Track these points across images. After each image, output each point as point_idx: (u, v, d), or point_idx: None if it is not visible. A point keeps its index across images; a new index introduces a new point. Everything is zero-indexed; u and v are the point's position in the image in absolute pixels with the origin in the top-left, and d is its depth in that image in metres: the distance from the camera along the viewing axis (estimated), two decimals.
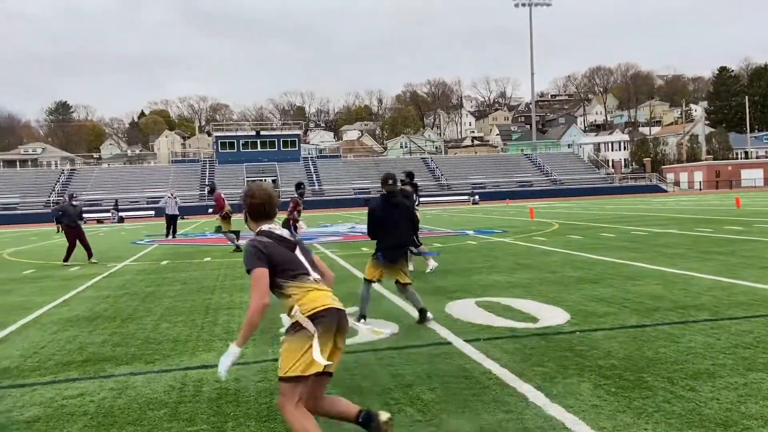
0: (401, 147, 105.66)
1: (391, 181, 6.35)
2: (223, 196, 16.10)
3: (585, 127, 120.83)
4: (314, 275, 3.11)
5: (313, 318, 2.91)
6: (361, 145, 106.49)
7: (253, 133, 65.86)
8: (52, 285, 10.41)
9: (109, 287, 9.75)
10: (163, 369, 4.99)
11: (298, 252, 3.14)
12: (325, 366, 2.87)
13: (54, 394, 4.44)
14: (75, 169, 63.83)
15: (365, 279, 6.52)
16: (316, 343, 2.87)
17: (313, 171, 61.83)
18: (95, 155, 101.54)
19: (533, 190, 58.91)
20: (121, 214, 42.52)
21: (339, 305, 3.02)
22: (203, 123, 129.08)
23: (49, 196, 53.15)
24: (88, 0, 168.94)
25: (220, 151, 63.01)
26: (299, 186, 13.33)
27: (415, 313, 6.41)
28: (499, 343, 5.32)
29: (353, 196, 54.05)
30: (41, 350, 5.80)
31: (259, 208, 3.20)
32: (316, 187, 58.55)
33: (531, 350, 5.07)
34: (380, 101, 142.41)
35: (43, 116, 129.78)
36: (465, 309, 6.85)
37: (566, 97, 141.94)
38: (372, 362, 4.95)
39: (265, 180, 62.19)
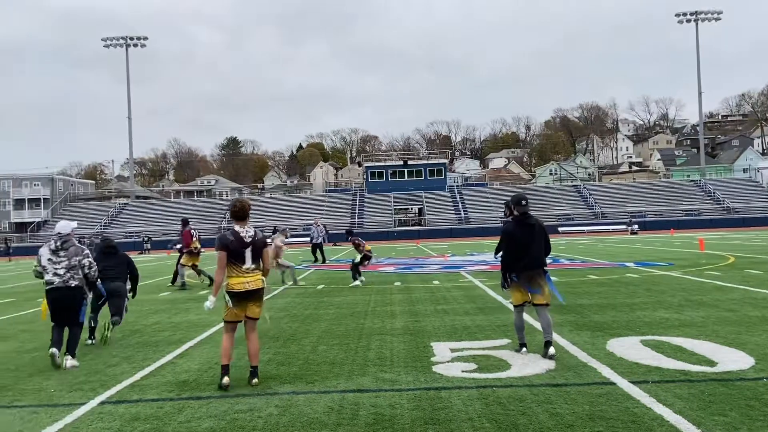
0: (551, 174, 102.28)
1: (524, 202, 6.39)
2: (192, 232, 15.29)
3: (763, 150, 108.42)
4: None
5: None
6: (508, 173, 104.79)
7: (401, 162, 67.63)
8: (221, 305, 11.35)
9: (272, 308, 10.42)
10: (322, 390, 5.19)
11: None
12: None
13: (227, 408, 4.80)
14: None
15: (514, 306, 6.46)
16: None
17: (458, 199, 61.89)
18: (259, 186, 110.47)
19: (702, 219, 53.65)
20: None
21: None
22: (354, 154, 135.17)
23: (220, 224, 58.57)
24: (255, 44, 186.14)
25: (369, 180, 65.46)
26: (350, 233, 15.14)
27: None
28: (671, 387, 4.85)
29: (499, 225, 53.20)
30: (215, 366, 6.31)
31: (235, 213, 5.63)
32: (462, 215, 58.45)
33: (710, 397, 4.56)
34: (528, 128, 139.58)
35: (217, 151, 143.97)
36: (629, 347, 6.36)
37: (740, 118, 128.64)
38: (527, 398, 4.75)
39: (412, 209, 63.47)
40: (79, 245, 6.97)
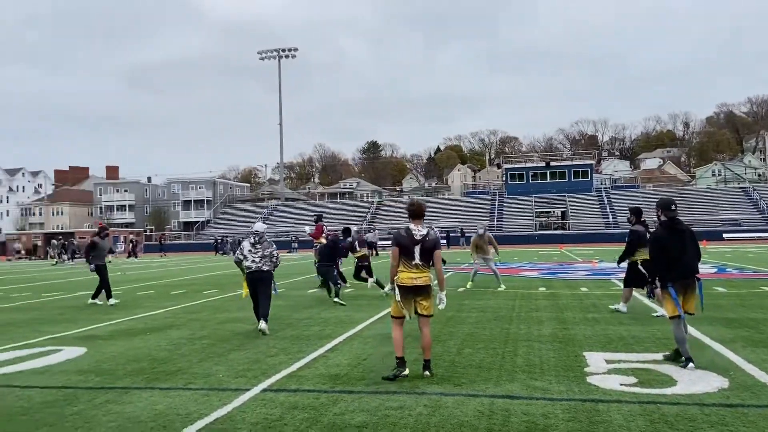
0: (713, 175, 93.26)
1: (673, 207, 6.12)
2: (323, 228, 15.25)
3: None
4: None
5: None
6: (663, 174, 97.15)
7: (543, 164, 65.46)
8: (365, 303, 11.71)
9: None
10: (470, 393, 5.14)
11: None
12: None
13: (378, 404, 4.91)
14: (382, 201, 71.83)
15: (670, 317, 6.05)
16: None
17: (606, 202, 58.54)
18: (397, 188, 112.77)
19: None
20: None
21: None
22: (493, 156, 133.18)
23: (362, 224, 60.61)
24: (397, 50, 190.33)
25: (509, 182, 64.12)
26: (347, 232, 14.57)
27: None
28: None
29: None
30: (364, 362, 6.51)
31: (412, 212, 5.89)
32: (610, 219, 55.20)
33: None
34: (686, 125, 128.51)
35: (358, 154, 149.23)
36: None
37: None
38: (698, 418, 4.34)
39: (554, 212, 61.13)
40: (270, 241, 9.08)
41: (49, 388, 5.76)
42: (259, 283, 8.65)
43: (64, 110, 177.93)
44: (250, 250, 8.71)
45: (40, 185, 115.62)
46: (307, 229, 16.33)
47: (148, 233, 70.93)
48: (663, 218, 6.17)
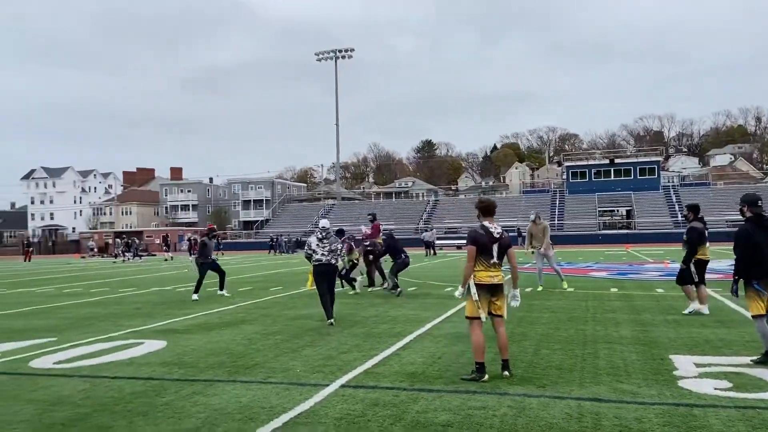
0: None
1: (760, 202, 5.96)
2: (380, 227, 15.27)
3: None
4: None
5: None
6: (734, 171, 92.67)
7: (606, 161, 63.55)
8: (432, 303, 11.63)
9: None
10: (555, 395, 4.99)
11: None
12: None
13: (460, 403, 4.84)
14: (438, 200, 71.49)
15: (753, 316, 5.90)
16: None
17: (674, 200, 56.30)
18: (453, 187, 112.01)
19: None
20: None
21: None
22: (552, 153, 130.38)
23: (417, 224, 60.50)
24: (452, 48, 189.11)
25: (570, 180, 62.57)
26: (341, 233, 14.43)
27: None
28: None
29: (726, 229, 47.18)
30: (438, 360, 6.45)
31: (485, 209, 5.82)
32: (679, 218, 53.02)
33: None
34: (758, 120, 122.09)
35: (412, 153, 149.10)
36: None
37: None
38: None
39: (618, 211, 59.26)
40: (335, 236, 9.76)
41: (136, 378, 5.98)
42: (326, 276, 9.21)
43: (129, 114, 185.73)
44: (318, 245, 9.25)
45: (110, 186, 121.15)
46: (363, 228, 16.28)
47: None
48: (749, 214, 6.00)
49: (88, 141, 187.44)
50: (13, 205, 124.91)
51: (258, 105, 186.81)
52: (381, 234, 15.38)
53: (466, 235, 5.97)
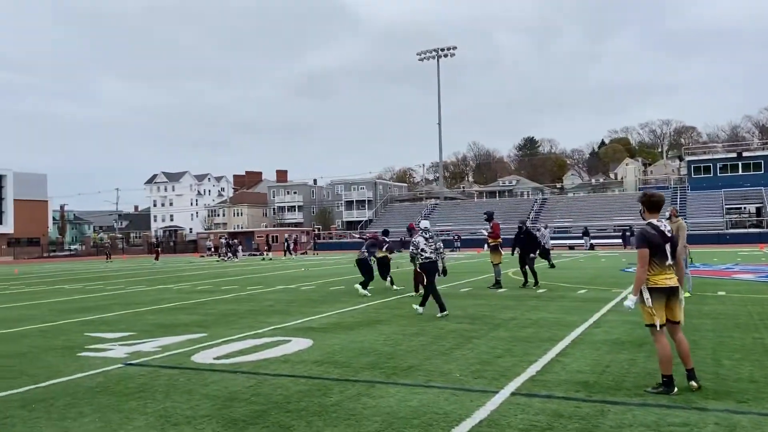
0: None
1: None
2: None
3: None
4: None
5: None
6: None
7: (734, 155, 58.64)
8: (570, 305, 11.04)
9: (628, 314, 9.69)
10: (763, 412, 4.42)
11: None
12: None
13: (656, 419, 4.39)
14: (546, 199, 69.21)
15: None
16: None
17: None
18: (558, 185, 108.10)
19: None
20: (592, 241, 43.47)
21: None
22: (666, 148, 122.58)
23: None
24: (558, 43, 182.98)
25: (692, 176, 58.38)
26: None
27: None
28: None
29: None
30: (607, 369, 5.97)
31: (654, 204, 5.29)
32: None
33: None
34: None
35: (513, 151, 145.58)
36: None
37: None
38: None
39: (745, 208, 54.50)
40: (437, 235, 10.73)
41: (296, 377, 6.00)
42: (433, 272, 10.07)
43: (238, 119, 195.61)
44: (426, 244, 10.11)
45: (222, 189, 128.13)
46: (485, 232, 15.82)
47: (317, 232, 75.17)
48: None
49: (200, 146, 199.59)
50: (136, 207, 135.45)
51: (358, 107, 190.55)
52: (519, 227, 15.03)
53: (635, 235, 5.42)
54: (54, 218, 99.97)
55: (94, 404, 5.24)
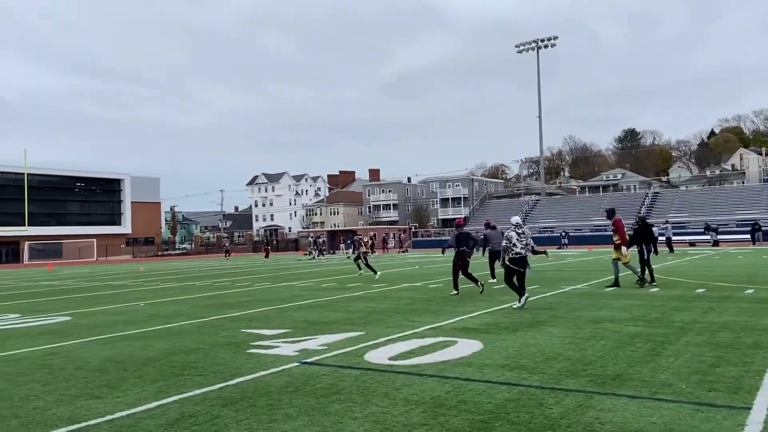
0: None
1: None
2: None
3: None
4: None
5: None
6: None
7: None
8: (755, 307, 9.91)
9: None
10: None
11: None
12: None
13: None
14: (657, 193, 65.17)
15: None
16: None
17: None
18: (663, 178, 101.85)
19: None
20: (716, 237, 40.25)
21: None
22: None
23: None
24: (660, 29, 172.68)
25: None
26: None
27: None
28: None
29: None
30: None
31: None
32: None
33: None
34: None
35: (613, 144, 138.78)
36: None
37: None
38: None
39: None
40: (528, 230, 11.19)
41: (491, 383, 5.51)
42: (522, 266, 10.51)
43: (330, 120, 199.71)
44: (517, 239, 10.55)
45: (319, 189, 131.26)
46: (613, 235, 14.54)
47: (413, 230, 75.04)
48: None
49: (295, 148, 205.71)
50: (236, 208, 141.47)
51: (448, 104, 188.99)
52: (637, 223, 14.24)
53: None
54: (165, 219, 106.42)
55: (295, 405, 5.00)
